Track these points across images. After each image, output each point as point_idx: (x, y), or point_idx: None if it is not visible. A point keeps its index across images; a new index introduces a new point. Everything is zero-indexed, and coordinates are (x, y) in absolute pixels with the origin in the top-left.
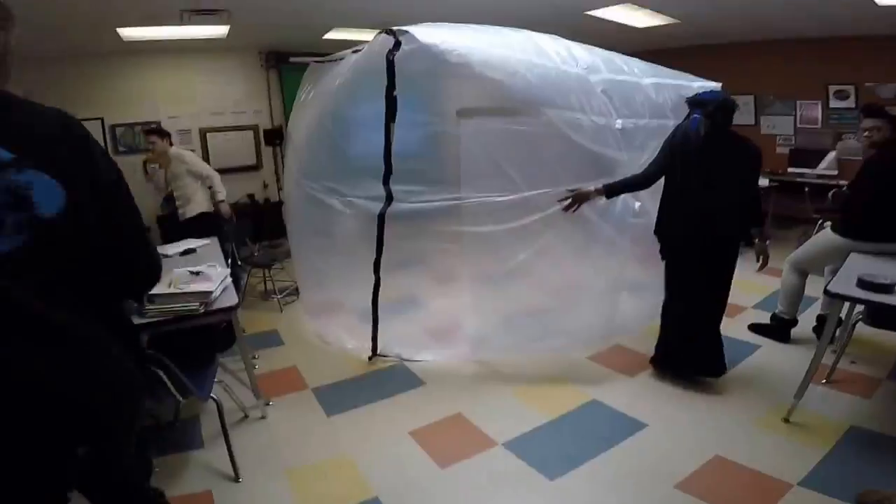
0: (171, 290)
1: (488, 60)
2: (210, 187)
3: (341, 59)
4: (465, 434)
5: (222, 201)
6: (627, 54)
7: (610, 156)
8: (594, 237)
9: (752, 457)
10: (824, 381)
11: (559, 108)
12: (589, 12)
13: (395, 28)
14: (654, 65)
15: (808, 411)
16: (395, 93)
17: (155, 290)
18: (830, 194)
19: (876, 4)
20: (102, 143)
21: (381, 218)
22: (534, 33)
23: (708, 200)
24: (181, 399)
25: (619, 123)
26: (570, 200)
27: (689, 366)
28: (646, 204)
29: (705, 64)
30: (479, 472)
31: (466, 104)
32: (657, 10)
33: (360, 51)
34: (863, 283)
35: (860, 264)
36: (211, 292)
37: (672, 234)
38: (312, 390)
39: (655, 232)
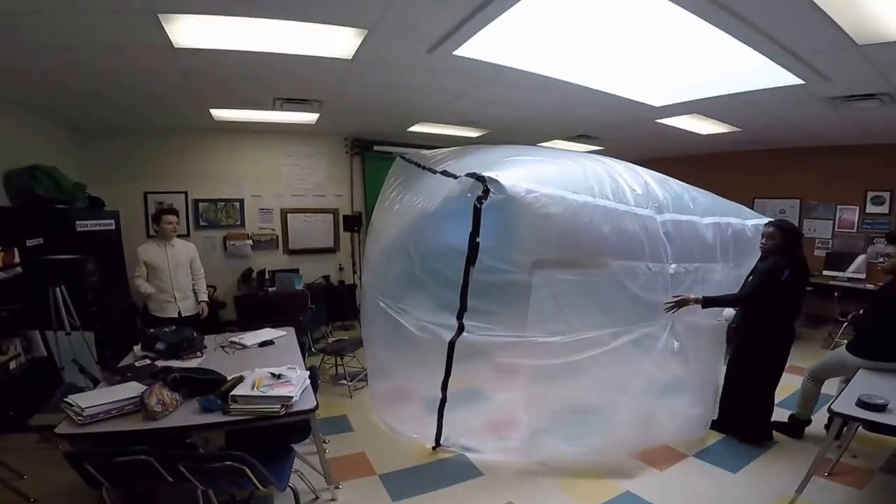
0: (255, 392)
1: (568, 210)
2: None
3: (426, 167)
4: None
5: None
6: (687, 156)
7: (653, 300)
8: (635, 374)
9: None
10: (826, 474)
11: (623, 258)
12: (659, 120)
13: (485, 175)
14: (715, 197)
15: (807, 503)
16: (477, 240)
17: (238, 392)
18: (850, 317)
19: None
20: (185, 217)
21: (451, 345)
22: (616, 163)
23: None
24: (262, 488)
25: (672, 268)
26: (674, 304)
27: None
28: (684, 344)
29: (759, 166)
30: None
31: (542, 255)
32: (720, 119)
33: (445, 172)
34: (861, 403)
35: (866, 381)
36: (292, 397)
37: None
38: (379, 476)
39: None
